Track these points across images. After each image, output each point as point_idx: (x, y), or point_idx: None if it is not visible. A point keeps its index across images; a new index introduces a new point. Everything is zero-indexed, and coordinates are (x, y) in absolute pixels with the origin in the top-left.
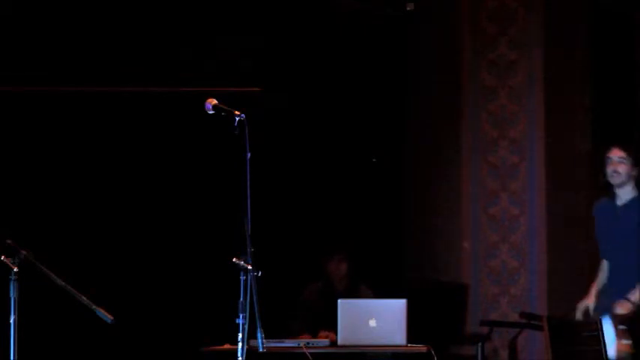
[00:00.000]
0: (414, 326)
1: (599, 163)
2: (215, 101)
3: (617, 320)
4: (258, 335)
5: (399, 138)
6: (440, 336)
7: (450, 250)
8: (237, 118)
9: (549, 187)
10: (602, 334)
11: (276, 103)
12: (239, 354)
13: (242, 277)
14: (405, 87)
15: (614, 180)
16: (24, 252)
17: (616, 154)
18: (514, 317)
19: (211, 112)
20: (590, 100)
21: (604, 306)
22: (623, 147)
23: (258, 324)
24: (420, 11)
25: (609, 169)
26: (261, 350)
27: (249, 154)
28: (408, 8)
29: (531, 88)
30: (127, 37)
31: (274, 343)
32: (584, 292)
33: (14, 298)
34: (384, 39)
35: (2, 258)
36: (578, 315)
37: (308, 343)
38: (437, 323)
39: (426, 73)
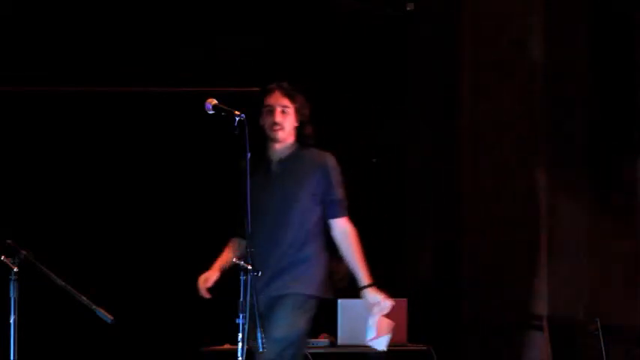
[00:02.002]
0: (414, 325)
1: (599, 161)
2: (215, 101)
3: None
4: (258, 335)
5: (399, 137)
6: (440, 335)
7: (449, 249)
8: (237, 118)
9: (550, 187)
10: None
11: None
12: (239, 354)
13: (242, 277)
14: (405, 87)
15: (276, 135)
16: (24, 252)
17: (279, 102)
18: (514, 317)
19: (211, 112)
20: (590, 100)
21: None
22: (287, 91)
23: (258, 324)
24: (420, 11)
25: (268, 120)
26: (261, 350)
27: (249, 154)
28: (408, 8)
29: (531, 88)
30: (126, 37)
31: None
32: (584, 292)
33: (14, 298)
34: (383, 39)
35: (2, 258)
36: (202, 292)
37: (308, 343)
38: (437, 322)
39: (426, 73)
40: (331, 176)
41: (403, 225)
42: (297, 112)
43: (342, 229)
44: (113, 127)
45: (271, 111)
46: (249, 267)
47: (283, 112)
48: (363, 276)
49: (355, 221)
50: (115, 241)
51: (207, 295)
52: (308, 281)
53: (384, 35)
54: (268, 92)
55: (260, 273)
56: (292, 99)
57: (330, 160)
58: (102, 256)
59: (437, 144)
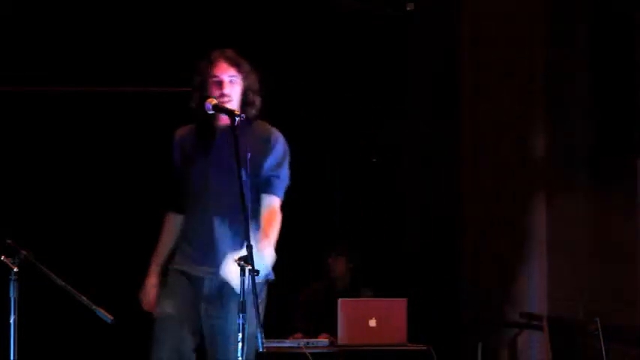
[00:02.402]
0: (414, 325)
1: (600, 162)
2: (215, 101)
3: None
4: (258, 335)
5: (399, 137)
6: (440, 335)
7: (449, 248)
8: (236, 118)
9: (549, 187)
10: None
11: (280, 104)
12: (239, 354)
13: (242, 277)
14: (405, 87)
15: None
16: (24, 252)
17: (226, 72)
18: (514, 317)
19: (211, 112)
20: (590, 100)
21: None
22: (233, 59)
23: (258, 324)
24: (420, 11)
25: (216, 92)
26: (260, 350)
27: (249, 154)
28: (408, 8)
29: (531, 88)
30: (126, 36)
31: (274, 344)
32: (584, 292)
33: (14, 298)
34: (383, 39)
35: (2, 258)
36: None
37: (308, 343)
38: (436, 322)
39: (426, 73)
40: (276, 153)
41: (403, 225)
42: (244, 81)
43: (272, 206)
44: (113, 127)
45: (219, 82)
46: (249, 267)
47: (231, 82)
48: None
49: (354, 221)
50: (114, 241)
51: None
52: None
53: (384, 35)
54: (212, 61)
55: (259, 273)
56: (239, 67)
57: (278, 136)
58: (102, 256)
59: (437, 144)
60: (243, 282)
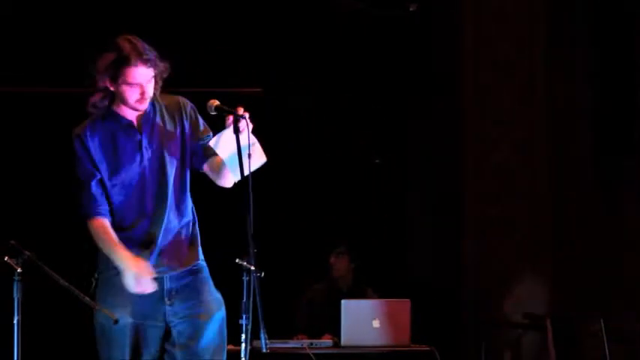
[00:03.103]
0: (418, 326)
1: (601, 160)
2: (217, 102)
3: None
4: (262, 336)
5: (402, 138)
6: (443, 336)
7: (452, 250)
8: (241, 119)
9: (552, 187)
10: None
11: (281, 104)
12: (242, 355)
13: (245, 278)
14: (408, 87)
15: (140, 107)
16: (27, 252)
17: (145, 77)
18: (517, 318)
19: (213, 112)
20: (590, 100)
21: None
22: (151, 61)
23: (262, 325)
24: (422, 12)
25: (132, 97)
26: (264, 351)
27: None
28: (411, 9)
29: (532, 87)
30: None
31: (278, 344)
32: (588, 292)
33: (18, 299)
34: (386, 39)
35: (6, 259)
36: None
37: (312, 344)
38: (440, 323)
39: (428, 73)
40: (195, 116)
41: (405, 226)
42: (159, 77)
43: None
44: None
45: (139, 90)
46: (252, 267)
47: (148, 82)
48: None
49: (356, 221)
50: None
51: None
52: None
53: (386, 36)
54: (126, 63)
55: (262, 273)
56: (155, 66)
57: (185, 99)
58: None
59: (438, 144)
60: (247, 282)
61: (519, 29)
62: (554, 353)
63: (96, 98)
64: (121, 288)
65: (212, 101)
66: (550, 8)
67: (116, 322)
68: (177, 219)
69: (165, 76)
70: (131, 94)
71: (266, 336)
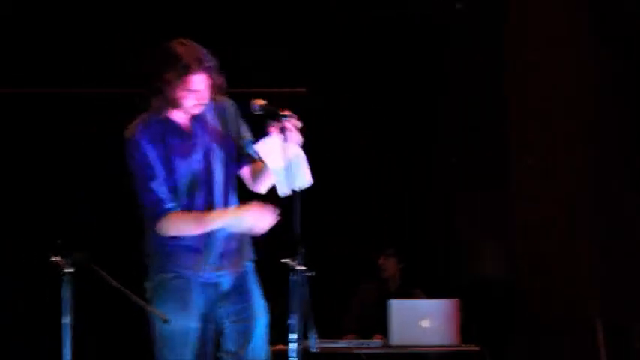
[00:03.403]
0: (468, 326)
1: None
2: (262, 101)
3: None
4: (311, 336)
5: (451, 137)
6: (493, 335)
7: (502, 250)
8: (283, 119)
9: (594, 186)
10: None
11: (323, 104)
12: (292, 355)
13: (292, 277)
14: (452, 87)
15: (197, 111)
16: (77, 252)
17: (204, 84)
18: (567, 317)
19: (258, 112)
20: (634, 97)
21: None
22: (214, 71)
23: (311, 325)
24: (463, 11)
25: (191, 102)
26: (313, 350)
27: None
28: (457, 7)
29: (577, 86)
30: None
31: (327, 344)
32: (636, 293)
33: (67, 300)
34: (426, 38)
35: (55, 258)
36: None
37: (361, 344)
38: (490, 323)
39: (472, 72)
40: (239, 118)
41: (455, 227)
42: (215, 83)
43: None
44: None
45: (197, 96)
46: (301, 267)
47: (205, 87)
48: None
49: (405, 221)
50: None
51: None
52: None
53: (426, 34)
54: (189, 71)
55: (312, 273)
56: (214, 75)
57: (230, 100)
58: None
59: (484, 145)
60: (293, 282)
61: (564, 29)
62: (604, 354)
63: (156, 103)
64: (180, 292)
65: (257, 100)
66: (594, 7)
67: (166, 321)
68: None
69: (219, 82)
70: (188, 100)
71: (315, 336)
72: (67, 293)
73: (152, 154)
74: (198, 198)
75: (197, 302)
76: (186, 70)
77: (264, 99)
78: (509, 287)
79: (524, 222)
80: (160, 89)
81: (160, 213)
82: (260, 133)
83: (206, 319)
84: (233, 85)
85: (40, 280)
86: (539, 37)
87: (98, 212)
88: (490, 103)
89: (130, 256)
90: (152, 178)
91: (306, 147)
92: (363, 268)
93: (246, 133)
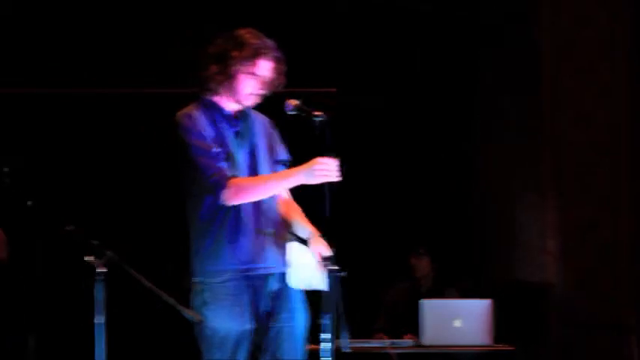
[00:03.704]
0: (500, 326)
1: None
2: (296, 101)
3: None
4: (343, 336)
5: (484, 138)
6: (525, 336)
7: (535, 249)
8: (317, 119)
9: (634, 187)
10: None
11: (358, 104)
12: (324, 354)
13: (327, 278)
14: (492, 86)
15: (251, 103)
16: (110, 252)
17: (270, 74)
18: (602, 318)
19: (292, 112)
20: None
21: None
22: (282, 65)
23: (343, 325)
24: (500, 12)
25: (253, 88)
26: (346, 350)
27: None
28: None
29: (614, 88)
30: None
31: (359, 343)
32: None
33: (100, 300)
34: (458, 35)
35: (88, 259)
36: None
37: (393, 344)
38: (522, 324)
39: (508, 74)
40: (278, 138)
41: (489, 226)
42: (271, 83)
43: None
44: None
45: (257, 84)
46: (335, 267)
47: (267, 80)
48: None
49: (437, 221)
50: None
51: None
52: None
53: (460, 34)
54: (261, 55)
55: (345, 273)
56: (278, 70)
57: (270, 120)
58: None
59: (519, 142)
60: (327, 282)
61: (602, 34)
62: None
63: (213, 84)
64: (235, 293)
65: (291, 100)
66: (634, 12)
67: (200, 322)
68: (276, 218)
69: (280, 79)
70: (249, 84)
71: (348, 335)
72: (100, 293)
73: (209, 130)
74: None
75: (250, 302)
76: (256, 53)
77: (297, 99)
78: (544, 288)
79: (562, 223)
80: (225, 69)
81: (223, 179)
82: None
83: (259, 319)
84: None
85: (73, 281)
86: (576, 39)
87: (131, 211)
88: (525, 106)
89: (160, 256)
90: (210, 147)
91: (338, 146)
92: (396, 268)
93: (282, 154)
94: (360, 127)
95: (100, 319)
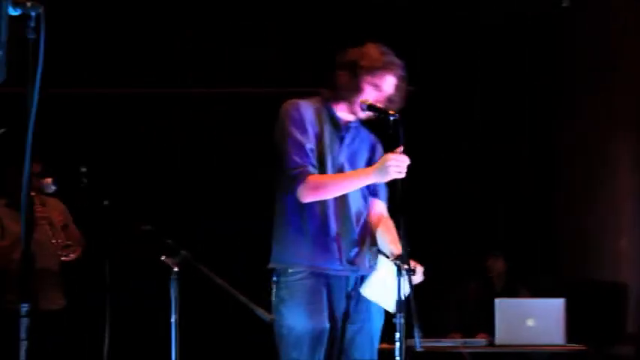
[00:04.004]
0: (573, 326)
1: None
2: (370, 100)
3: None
4: (416, 334)
5: (554, 136)
6: (599, 336)
7: (608, 248)
8: (391, 118)
9: None
10: None
11: (432, 103)
12: (397, 353)
13: (398, 277)
14: (561, 83)
15: (363, 115)
16: (184, 252)
17: (390, 90)
18: None
19: (366, 111)
20: None
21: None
22: (403, 80)
23: (416, 323)
24: (575, 7)
25: (372, 98)
26: (418, 349)
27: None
28: (564, 4)
29: None
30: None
31: (432, 343)
32: None
33: (175, 298)
34: (538, 36)
35: (163, 258)
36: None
37: (466, 343)
38: (595, 323)
39: (581, 70)
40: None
41: (561, 226)
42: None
43: (386, 213)
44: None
45: (385, 98)
46: (405, 266)
47: (386, 95)
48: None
49: (512, 221)
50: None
51: None
52: None
53: (538, 32)
54: (387, 67)
55: (415, 272)
56: (401, 88)
57: (378, 142)
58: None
59: (591, 141)
60: (400, 282)
61: None
62: None
63: (330, 93)
64: (309, 293)
65: (365, 99)
66: None
67: (272, 321)
68: (359, 223)
69: (399, 98)
70: (368, 93)
71: (420, 334)
72: (174, 292)
73: (311, 127)
74: (328, 200)
75: (327, 302)
76: (384, 66)
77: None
78: (618, 288)
79: (636, 223)
80: (352, 77)
81: (304, 175)
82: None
83: (337, 319)
84: None
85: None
86: None
87: (203, 210)
88: (601, 107)
89: (233, 255)
90: (304, 142)
91: (415, 146)
92: (468, 267)
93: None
94: (436, 126)
95: (174, 318)
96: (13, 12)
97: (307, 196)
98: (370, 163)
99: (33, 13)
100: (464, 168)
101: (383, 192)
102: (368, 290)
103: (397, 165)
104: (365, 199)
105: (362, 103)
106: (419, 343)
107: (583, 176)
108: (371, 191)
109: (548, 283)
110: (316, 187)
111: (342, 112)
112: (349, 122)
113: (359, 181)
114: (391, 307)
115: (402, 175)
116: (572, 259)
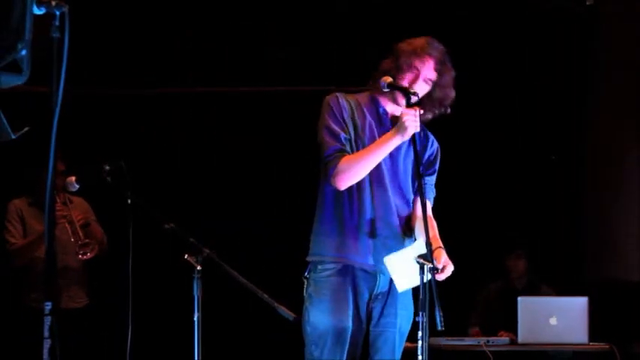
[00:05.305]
0: (596, 324)
1: None
2: (390, 79)
3: None
4: (437, 313)
5: (579, 134)
6: (622, 334)
7: (632, 247)
8: (411, 94)
9: None
10: None
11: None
12: (419, 352)
13: (421, 275)
14: (587, 83)
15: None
16: (207, 250)
17: (428, 73)
18: None
19: (386, 89)
20: None
21: None
22: (442, 64)
23: (437, 302)
24: (603, 6)
25: (406, 84)
26: (439, 328)
27: (419, 142)
28: (588, 3)
29: None
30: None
31: (454, 341)
32: None
33: (197, 297)
34: (565, 35)
35: (186, 257)
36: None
37: (488, 341)
38: (619, 321)
39: (609, 70)
40: (432, 149)
41: (583, 222)
42: (438, 79)
43: (429, 212)
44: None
45: (427, 82)
46: (430, 265)
47: (425, 82)
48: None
49: (534, 219)
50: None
51: None
52: None
53: (565, 31)
54: (429, 54)
55: (435, 266)
56: (441, 72)
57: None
58: (281, 254)
59: (619, 140)
60: (423, 280)
61: None
62: None
63: (375, 86)
64: (333, 291)
65: (385, 77)
66: None
67: (295, 319)
68: (398, 221)
69: (444, 94)
70: (405, 79)
71: (441, 313)
72: (197, 290)
73: (347, 116)
74: (365, 193)
75: (352, 301)
76: (422, 49)
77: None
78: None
79: None
80: (394, 62)
81: (337, 160)
82: None
83: (362, 319)
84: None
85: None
86: None
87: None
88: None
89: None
90: (340, 132)
91: (442, 145)
92: (490, 266)
93: (432, 178)
94: (457, 125)
95: (196, 316)
96: (38, 11)
97: (340, 179)
98: (418, 157)
99: (57, 12)
100: (487, 167)
101: (430, 191)
102: (392, 258)
103: (411, 119)
104: (407, 196)
105: (382, 81)
106: (440, 321)
107: (608, 175)
108: (415, 190)
109: (571, 281)
110: (346, 168)
111: (389, 106)
112: (396, 116)
113: (384, 146)
114: (400, 287)
115: (417, 129)
116: (595, 258)
